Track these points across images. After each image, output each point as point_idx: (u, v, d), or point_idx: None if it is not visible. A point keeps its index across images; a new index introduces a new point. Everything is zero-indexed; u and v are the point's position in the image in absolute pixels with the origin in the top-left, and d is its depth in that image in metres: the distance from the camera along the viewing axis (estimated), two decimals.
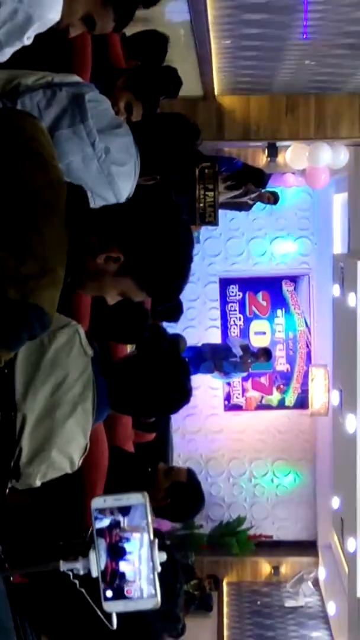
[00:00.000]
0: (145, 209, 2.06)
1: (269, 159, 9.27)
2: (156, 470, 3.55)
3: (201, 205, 8.49)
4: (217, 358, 10.02)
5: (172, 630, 1.99)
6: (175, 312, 6.16)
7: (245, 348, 10.36)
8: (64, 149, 2.51)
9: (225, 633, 10.52)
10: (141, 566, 1.55)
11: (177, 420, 9.99)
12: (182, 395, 2.78)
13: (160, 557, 1.56)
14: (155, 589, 1.54)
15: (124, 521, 1.55)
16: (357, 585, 7.85)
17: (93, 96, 2.68)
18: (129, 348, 4.59)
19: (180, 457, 11.16)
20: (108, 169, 2.61)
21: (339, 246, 10.31)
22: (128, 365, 2.79)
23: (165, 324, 6.69)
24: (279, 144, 8.99)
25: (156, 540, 1.56)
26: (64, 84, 2.62)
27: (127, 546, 1.55)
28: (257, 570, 11.80)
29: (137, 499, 1.55)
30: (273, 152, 9.22)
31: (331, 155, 8.53)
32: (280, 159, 9.33)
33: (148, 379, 2.71)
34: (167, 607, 1.91)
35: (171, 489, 3.47)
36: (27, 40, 2.32)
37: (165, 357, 2.82)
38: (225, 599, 11.26)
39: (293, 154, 8.85)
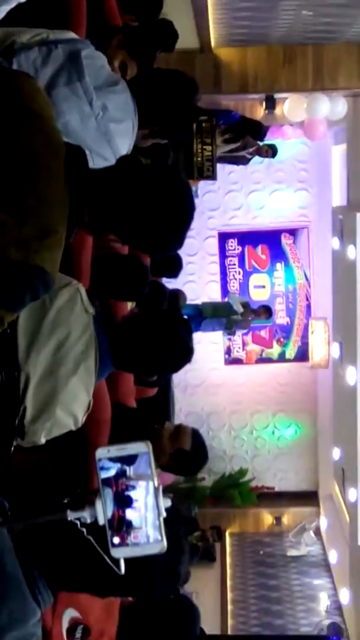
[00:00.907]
0: (141, 183, 2.06)
1: (266, 111, 9.21)
2: (162, 429, 3.56)
3: (199, 159, 8.46)
4: (217, 316, 10.03)
5: (171, 585, 2.04)
6: (174, 268, 6.18)
7: (246, 305, 10.38)
8: (62, 107, 2.50)
9: (229, 582, 10.72)
10: (147, 513, 1.60)
11: (178, 375, 10.06)
12: (184, 353, 2.81)
13: (165, 503, 1.61)
14: (161, 534, 1.60)
15: (129, 470, 1.60)
16: (358, 534, 7.98)
17: (89, 53, 2.67)
18: (130, 305, 4.63)
19: (181, 412, 11.26)
20: (106, 127, 2.60)
21: (338, 198, 10.27)
22: (130, 324, 2.81)
23: (164, 280, 6.72)
24: (276, 95, 8.91)
25: (160, 487, 1.61)
26: (59, 41, 2.61)
27: (133, 494, 1.60)
28: (259, 521, 11.98)
29: (141, 447, 1.60)
30: (271, 104, 9.15)
31: (329, 107, 8.47)
32: (278, 110, 9.26)
33: (150, 338, 2.73)
34: (171, 563, 1.96)
35: (175, 456, 3.51)
36: None
37: (166, 316, 2.84)
38: (228, 549, 11.44)
39: (291, 105, 8.79)
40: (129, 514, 1.60)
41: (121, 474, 1.60)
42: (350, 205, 9.27)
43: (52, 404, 2.40)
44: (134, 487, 1.60)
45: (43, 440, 2.46)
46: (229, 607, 10.18)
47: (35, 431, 2.41)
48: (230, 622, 9.90)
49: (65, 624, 2.26)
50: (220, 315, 10.01)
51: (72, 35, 2.74)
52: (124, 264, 3.97)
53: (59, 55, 2.57)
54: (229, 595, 10.43)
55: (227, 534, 11.69)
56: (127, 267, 3.97)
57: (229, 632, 9.65)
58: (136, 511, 1.60)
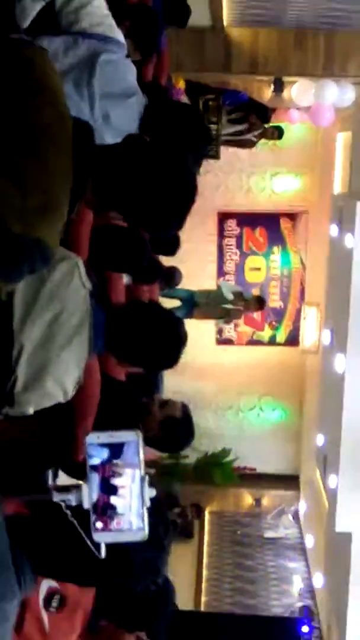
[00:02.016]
0: (146, 162, 2.05)
1: (274, 93, 9.16)
2: (151, 401, 3.59)
3: None
4: (209, 303, 9.97)
5: (150, 580, 2.05)
6: (172, 245, 6.17)
7: (238, 294, 10.33)
8: None
9: (205, 560, 10.79)
10: (132, 501, 1.61)
11: None
12: (175, 357, 2.81)
13: (150, 492, 1.62)
14: (144, 523, 1.61)
15: (117, 457, 1.61)
16: (336, 520, 8.04)
17: (111, 58, 2.61)
18: (125, 280, 4.62)
19: (169, 389, 11.26)
20: (102, 136, 2.57)
21: (339, 185, 10.24)
22: (133, 311, 2.80)
23: (161, 257, 6.71)
24: (285, 79, 8.87)
25: (147, 477, 1.62)
26: (91, 35, 2.56)
27: (119, 481, 1.61)
28: (239, 501, 12.05)
29: (130, 436, 1.61)
30: (279, 87, 9.11)
31: (337, 93, 8.42)
32: (285, 94, 9.21)
33: (150, 331, 2.73)
34: (152, 557, 1.97)
35: (165, 424, 3.53)
36: None
37: (170, 316, 2.83)
38: (206, 527, 11.52)
39: (299, 90, 8.74)
40: (114, 500, 1.61)
41: (109, 460, 1.61)
42: (351, 193, 9.24)
43: (44, 375, 2.40)
44: (120, 475, 1.60)
45: (31, 411, 2.46)
46: (204, 584, 10.27)
47: (24, 401, 2.42)
48: (203, 598, 10.00)
49: (42, 593, 2.28)
50: (213, 303, 9.95)
51: (110, 33, 2.68)
52: (124, 235, 3.94)
53: (82, 50, 2.54)
54: (205, 572, 10.52)
55: (206, 512, 11.75)
56: (127, 238, 3.95)
57: (202, 609, 9.74)
58: (121, 498, 1.61)
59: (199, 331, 11.48)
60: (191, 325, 10.13)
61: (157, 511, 1.81)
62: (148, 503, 1.60)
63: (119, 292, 4.12)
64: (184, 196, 2.08)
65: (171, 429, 3.56)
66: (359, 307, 7.89)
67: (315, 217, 11.39)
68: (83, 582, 1.97)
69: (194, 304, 9.68)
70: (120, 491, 1.60)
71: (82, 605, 2.26)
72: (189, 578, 10.24)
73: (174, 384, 11.59)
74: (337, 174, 10.40)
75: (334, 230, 9.47)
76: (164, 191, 2.02)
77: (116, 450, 1.60)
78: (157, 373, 6.78)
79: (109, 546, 1.69)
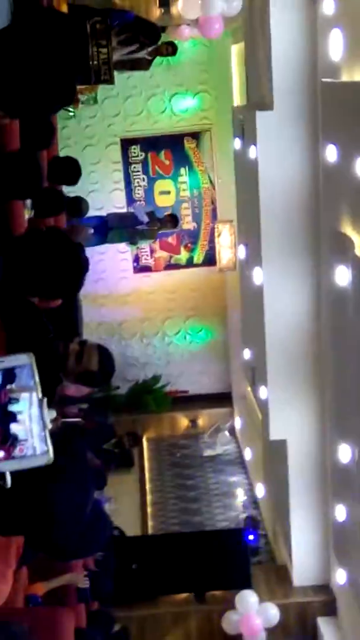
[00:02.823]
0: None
1: (161, 9, 8.95)
2: (66, 354, 3.46)
3: (95, 63, 8.16)
4: (123, 227, 9.90)
5: (77, 528, 2.00)
6: (73, 175, 6.04)
7: (152, 215, 10.27)
8: None
9: (148, 485, 10.92)
10: (32, 425, 1.56)
11: (86, 286, 9.93)
12: (73, 287, 2.72)
13: (50, 414, 1.58)
14: (47, 446, 1.57)
15: (11, 383, 1.55)
16: (269, 429, 8.18)
17: None
18: (27, 214, 4.50)
19: (92, 322, 11.22)
20: None
21: (238, 99, 10.14)
22: (28, 240, 2.71)
23: (68, 189, 6.58)
24: None
25: (45, 399, 1.57)
26: None
27: (16, 407, 1.56)
28: (175, 424, 12.18)
29: (23, 359, 1.55)
30: (165, 3, 8.89)
31: (224, 2, 8.26)
32: (174, 10, 9.01)
33: (45, 259, 2.64)
34: (78, 504, 1.93)
35: (81, 377, 3.44)
36: None
37: (66, 239, 2.74)
38: (145, 453, 11.62)
39: (185, 3, 8.55)
40: (14, 427, 1.56)
41: (3, 386, 1.55)
42: (250, 104, 9.16)
43: None
44: (17, 400, 1.55)
45: None
46: (149, 509, 10.41)
47: None
48: (150, 523, 10.14)
49: None
50: (126, 226, 9.89)
51: None
52: (14, 159, 3.77)
53: None
54: (149, 498, 10.65)
55: (144, 439, 11.85)
56: (18, 162, 3.78)
57: (150, 533, 9.89)
58: (21, 424, 1.56)
59: (116, 262, 11.42)
60: (107, 257, 10.04)
61: (83, 460, 1.77)
62: (49, 425, 1.56)
63: (21, 225, 4.00)
64: (57, 71, 1.98)
65: (88, 381, 3.49)
66: (268, 217, 7.89)
67: (219, 134, 11.31)
68: (5, 532, 1.94)
69: (107, 228, 9.61)
70: (19, 417, 1.55)
71: (13, 541, 2.24)
72: (134, 505, 10.36)
73: (97, 316, 11.56)
74: (235, 87, 10.29)
75: (237, 143, 9.40)
76: (39, 72, 1.93)
77: (9, 375, 1.54)
78: (74, 308, 6.71)
79: (30, 498, 1.66)
